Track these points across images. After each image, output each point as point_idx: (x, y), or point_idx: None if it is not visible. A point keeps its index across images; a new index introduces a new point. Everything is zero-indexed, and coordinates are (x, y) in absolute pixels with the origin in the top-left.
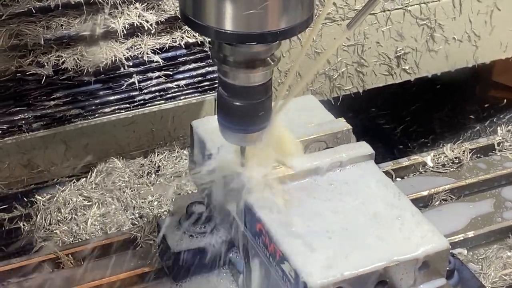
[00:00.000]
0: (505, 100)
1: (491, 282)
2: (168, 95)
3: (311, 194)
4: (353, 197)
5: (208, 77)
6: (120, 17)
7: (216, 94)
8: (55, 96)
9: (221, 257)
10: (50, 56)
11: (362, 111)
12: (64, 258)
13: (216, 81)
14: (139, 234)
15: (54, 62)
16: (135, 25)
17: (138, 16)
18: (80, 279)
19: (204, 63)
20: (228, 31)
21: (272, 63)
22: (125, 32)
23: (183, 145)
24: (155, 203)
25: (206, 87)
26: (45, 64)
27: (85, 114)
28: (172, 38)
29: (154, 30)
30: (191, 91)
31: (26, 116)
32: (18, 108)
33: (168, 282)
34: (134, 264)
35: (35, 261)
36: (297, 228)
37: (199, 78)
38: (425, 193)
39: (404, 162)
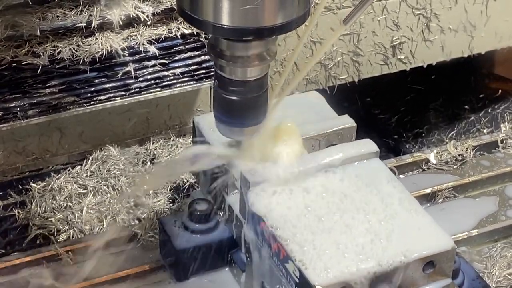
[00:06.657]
0: (500, 91)
1: (495, 281)
2: (164, 83)
3: (315, 192)
4: (358, 196)
5: (204, 65)
6: (116, 9)
7: (211, 82)
8: (50, 83)
9: (224, 255)
10: (46, 46)
11: (357, 101)
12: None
13: (212, 69)
14: (139, 231)
15: (50, 52)
16: (131, 16)
17: (135, 8)
18: (81, 276)
19: (199, 51)
20: (225, 26)
21: (269, 58)
22: (121, 23)
23: (178, 133)
24: (151, 191)
25: (202, 75)
26: (41, 54)
27: (80, 101)
28: (168, 29)
29: (150, 21)
30: (186, 79)
31: (21, 104)
32: (13, 96)
33: (170, 281)
34: (135, 262)
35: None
36: (301, 227)
37: (195, 67)
38: (428, 190)
39: (407, 159)
